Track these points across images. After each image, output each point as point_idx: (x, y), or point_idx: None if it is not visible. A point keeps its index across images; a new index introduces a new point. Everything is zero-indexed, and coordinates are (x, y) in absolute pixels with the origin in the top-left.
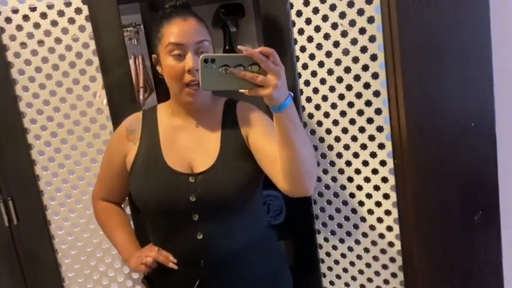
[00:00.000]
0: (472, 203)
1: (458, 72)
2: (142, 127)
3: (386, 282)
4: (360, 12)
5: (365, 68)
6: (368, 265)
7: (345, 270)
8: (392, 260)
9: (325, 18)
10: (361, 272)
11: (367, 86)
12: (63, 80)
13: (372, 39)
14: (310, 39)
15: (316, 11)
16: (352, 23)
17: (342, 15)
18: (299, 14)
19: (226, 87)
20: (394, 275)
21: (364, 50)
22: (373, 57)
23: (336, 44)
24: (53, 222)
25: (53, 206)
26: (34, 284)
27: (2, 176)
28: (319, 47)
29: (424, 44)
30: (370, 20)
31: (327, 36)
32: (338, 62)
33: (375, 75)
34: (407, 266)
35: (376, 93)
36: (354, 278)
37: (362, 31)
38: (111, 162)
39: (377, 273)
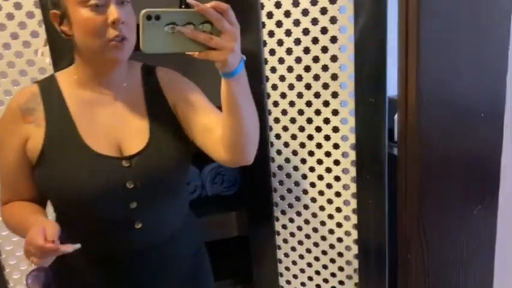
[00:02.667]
0: (473, 195)
1: (473, 61)
2: (43, 104)
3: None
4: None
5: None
6: (323, 238)
7: (300, 242)
8: (348, 233)
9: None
10: (316, 244)
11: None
12: None
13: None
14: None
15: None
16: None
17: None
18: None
19: (173, 49)
20: (348, 248)
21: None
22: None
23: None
24: None
25: None
26: None
27: None
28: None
29: (440, 31)
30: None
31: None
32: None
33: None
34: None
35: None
36: (308, 251)
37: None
38: (7, 154)
39: (332, 246)
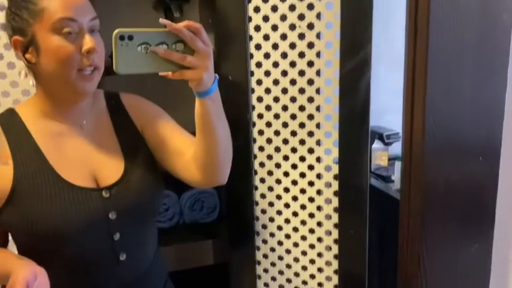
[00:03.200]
0: (471, 234)
1: (474, 101)
2: (8, 140)
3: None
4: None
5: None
6: (304, 268)
7: (281, 272)
8: (328, 263)
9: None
10: (296, 274)
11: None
12: None
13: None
14: (266, 37)
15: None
16: (311, 26)
17: (301, 16)
18: (257, 10)
19: (147, 69)
20: (328, 278)
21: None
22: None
23: (293, 46)
24: None
25: None
26: None
27: None
28: (275, 46)
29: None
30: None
31: (283, 37)
32: (293, 64)
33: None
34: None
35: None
36: (289, 281)
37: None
38: None
39: (312, 277)
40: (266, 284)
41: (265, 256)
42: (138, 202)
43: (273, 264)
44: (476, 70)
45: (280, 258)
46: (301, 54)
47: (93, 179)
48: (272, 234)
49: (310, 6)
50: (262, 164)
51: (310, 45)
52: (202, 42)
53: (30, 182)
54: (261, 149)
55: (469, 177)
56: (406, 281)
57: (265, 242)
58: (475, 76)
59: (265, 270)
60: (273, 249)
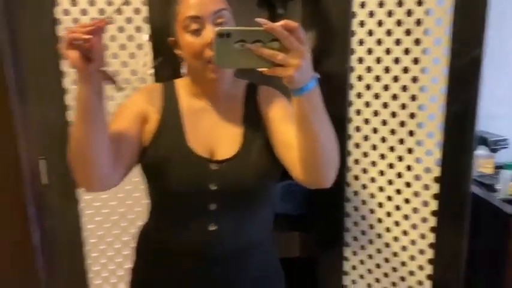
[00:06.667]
0: None
1: None
2: (163, 100)
3: None
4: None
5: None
6: (394, 269)
7: (370, 271)
8: (421, 267)
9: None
10: (386, 275)
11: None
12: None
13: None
14: (370, 33)
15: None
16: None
17: (409, 13)
18: (362, 5)
19: (242, 65)
20: (420, 283)
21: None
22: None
23: (398, 42)
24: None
25: None
26: (55, 245)
27: (38, 135)
28: (378, 42)
29: None
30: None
31: (389, 33)
32: (397, 60)
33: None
34: None
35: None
36: (377, 280)
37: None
38: (123, 116)
39: (402, 279)
40: (354, 282)
41: (355, 253)
42: (240, 182)
43: (361, 261)
44: None
45: (370, 257)
46: (407, 51)
47: (210, 151)
48: (363, 232)
49: (419, 2)
50: (356, 161)
51: (417, 42)
52: (297, 41)
53: (163, 139)
54: (357, 145)
55: None
56: None
57: (356, 239)
58: None
59: (354, 267)
60: (363, 247)
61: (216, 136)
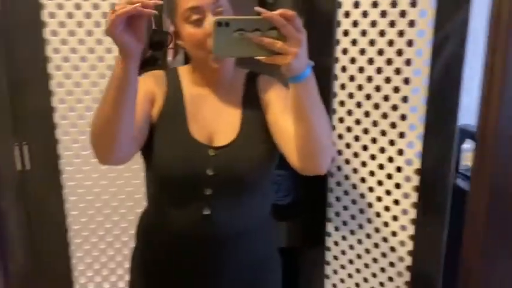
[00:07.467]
0: None
1: None
2: (166, 86)
3: (390, 279)
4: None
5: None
6: (375, 260)
7: (351, 261)
8: (401, 259)
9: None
10: (366, 266)
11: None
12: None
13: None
14: (355, 23)
15: None
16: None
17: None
18: None
19: (241, 53)
20: (399, 274)
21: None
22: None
23: (382, 33)
24: (65, 172)
25: (67, 156)
26: (39, 231)
27: (20, 121)
28: (363, 33)
29: None
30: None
31: (373, 24)
32: (381, 52)
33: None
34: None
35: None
36: (358, 271)
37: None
38: (138, 95)
39: (382, 270)
40: (335, 271)
41: (336, 243)
42: (237, 169)
43: (343, 252)
44: None
45: (351, 247)
46: (391, 43)
47: (209, 137)
48: (345, 223)
49: None
50: (340, 152)
51: (401, 34)
52: (294, 30)
53: (166, 122)
54: (340, 136)
55: None
56: (466, 274)
57: (337, 229)
58: None
59: (335, 257)
60: (344, 238)
61: (215, 123)
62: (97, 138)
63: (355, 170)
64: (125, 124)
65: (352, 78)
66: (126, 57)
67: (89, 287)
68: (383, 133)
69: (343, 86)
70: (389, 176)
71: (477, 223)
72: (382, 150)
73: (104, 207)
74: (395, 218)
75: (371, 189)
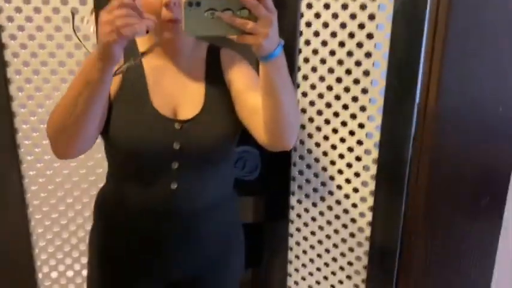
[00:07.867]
0: (482, 188)
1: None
2: (124, 57)
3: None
4: None
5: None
6: (336, 231)
7: (313, 233)
8: (361, 229)
9: None
10: (328, 236)
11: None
12: None
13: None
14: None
15: None
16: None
17: None
18: None
19: (212, 33)
20: (359, 244)
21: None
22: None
23: (343, 26)
24: (23, 146)
25: (25, 130)
26: None
27: None
28: (326, 6)
29: (467, 27)
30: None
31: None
32: (343, 25)
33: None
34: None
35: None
36: (320, 242)
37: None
38: None
39: (343, 240)
40: (298, 243)
41: (299, 216)
42: (203, 142)
43: (305, 224)
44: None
45: (314, 219)
46: (353, 16)
47: (173, 111)
48: (307, 196)
49: None
50: (303, 126)
51: (363, 7)
52: (265, 10)
53: (126, 97)
54: (303, 111)
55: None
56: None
57: (299, 202)
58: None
59: (298, 230)
60: (306, 210)
61: (178, 95)
62: (60, 134)
63: (317, 144)
64: (95, 120)
65: (315, 52)
66: (109, 60)
67: (51, 262)
68: (345, 107)
69: (306, 60)
70: (350, 149)
71: (419, 187)
72: (344, 124)
73: (64, 181)
74: (355, 190)
75: (333, 163)
